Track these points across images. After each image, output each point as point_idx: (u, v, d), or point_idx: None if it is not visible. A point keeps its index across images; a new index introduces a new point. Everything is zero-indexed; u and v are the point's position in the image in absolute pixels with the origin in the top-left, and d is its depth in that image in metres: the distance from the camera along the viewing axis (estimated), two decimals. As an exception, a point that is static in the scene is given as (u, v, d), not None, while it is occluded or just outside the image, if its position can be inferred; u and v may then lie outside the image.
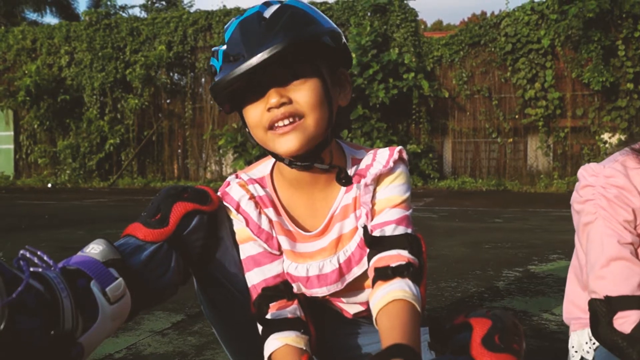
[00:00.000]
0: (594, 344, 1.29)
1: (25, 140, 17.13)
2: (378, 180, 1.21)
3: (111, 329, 1.02)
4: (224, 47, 1.12)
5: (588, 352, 1.30)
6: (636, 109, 12.78)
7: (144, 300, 1.11)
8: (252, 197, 1.24)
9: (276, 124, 1.12)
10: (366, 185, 1.19)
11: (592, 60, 12.81)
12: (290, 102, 1.11)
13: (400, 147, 1.24)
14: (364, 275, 1.23)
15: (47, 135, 16.81)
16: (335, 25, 1.17)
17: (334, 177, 1.22)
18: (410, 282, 1.08)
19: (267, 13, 1.10)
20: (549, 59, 13.36)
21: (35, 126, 16.51)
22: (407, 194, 1.21)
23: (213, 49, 1.17)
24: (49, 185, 15.67)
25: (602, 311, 1.15)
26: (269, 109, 1.11)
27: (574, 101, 13.45)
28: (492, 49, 13.82)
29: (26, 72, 16.08)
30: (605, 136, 13.20)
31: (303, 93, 1.11)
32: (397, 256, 1.12)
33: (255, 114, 1.14)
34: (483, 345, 1.01)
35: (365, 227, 1.16)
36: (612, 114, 13.01)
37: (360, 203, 1.21)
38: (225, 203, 1.25)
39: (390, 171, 1.20)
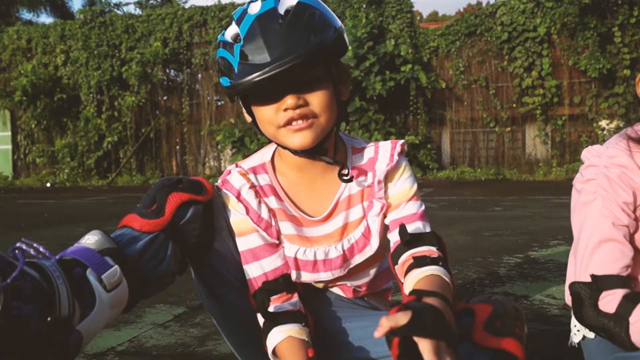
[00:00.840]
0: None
1: (23, 140, 17.10)
2: (387, 176, 1.26)
3: (110, 316, 1.03)
4: (240, 42, 1.13)
5: (590, 330, 1.30)
6: (633, 95, 12.76)
7: (141, 290, 1.12)
8: (252, 186, 1.26)
9: (292, 123, 1.16)
10: (379, 182, 1.24)
11: (589, 47, 12.79)
12: (306, 104, 1.15)
13: (402, 140, 1.30)
14: (364, 262, 1.28)
15: (45, 134, 16.78)
16: (339, 20, 1.20)
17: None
18: (443, 269, 1.15)
19: (282, 9, 1.12)
20: (545, 47, 13.35)
21: (33, 126, 16.48)
22: (416, 184, 1.28)
23: (221, 39, 1.18)
24: (48, 184, 15.65)
25: (586, 292, 1.14)
26: (285, 109, 1.14)
27: (571, 89, 13.44)
28: (489, 38, 13.80)
29: (22, 71, 16.02)
30: (603, 123, 13.20)
31: (317, 96, 1.15)
32: (430, 251, 1.18)
33: (269, 112, 1.16)
34: (485, 330, 1.02)
35: (403, 226, 1.21)
36: (609, 101, 13.01)
37: (368, 196, 1.26)
38: (225, 191, 1.26)
39: (397, 165, 1.26)
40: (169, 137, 16.26)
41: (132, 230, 1.13)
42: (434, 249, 1.18)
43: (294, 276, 1.25)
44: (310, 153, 1.20)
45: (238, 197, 1.25)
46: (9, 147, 17.36)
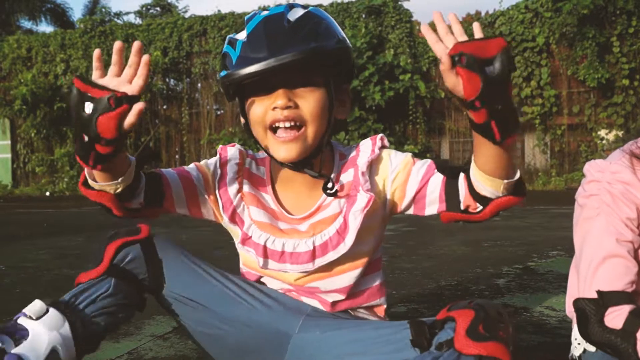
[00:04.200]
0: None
1: (22, 149, 17.10)
2: (373, 168, 1.26)
3: (56, 336, 1.12)
4: (244, 38, 1.15)
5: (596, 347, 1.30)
6: (632, 104, 12.79)
7: (92, 322, 1.20)
8: (241, 165, 1.30)
9: (277, 124, 1.16)
10: (363, 173, 1.23)
11: (587, 57, 12.83)
12: (296, 106, 1.15)
13: (381, 134, 1.30)
14: (338, 261, 1.24)
15: (44, 143, 16.78)
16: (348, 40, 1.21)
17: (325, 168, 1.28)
18: None
19: (292, 16, 1.14)
20: (544, 56, 13.38)
21: (32, 135, 16.48)
22: (410, 154, 1.28)
23: (229, 36, 1.20)
24: (47, 193, 15.64)
25: (591, 309, 1.13)
26: (273, 108, 1.14)
27: (570, 98, 13.46)
28: (487, 48, 13.82)
29: (22, 80, 16.03)
30: (602, 133, 13.21)
31: (309, 101, 1.15)
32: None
33: (259, 111, 1.17)
34: (468, 336, 1.00)
35: (435, 162, 1.22)
36: (608, 111, 13.03)
37: (348, 190, 1.25)
38: (218, 154, 1.32)
39: (379, 156, 1.26)
40: (168, 146, 16.27)
41: (80, 284, 1.24)
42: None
43: (260, 263, 1.26)
44: (295, 165, 1.20)
45: (222, 161, 1.29)
46: (9, 155, 17.36)
